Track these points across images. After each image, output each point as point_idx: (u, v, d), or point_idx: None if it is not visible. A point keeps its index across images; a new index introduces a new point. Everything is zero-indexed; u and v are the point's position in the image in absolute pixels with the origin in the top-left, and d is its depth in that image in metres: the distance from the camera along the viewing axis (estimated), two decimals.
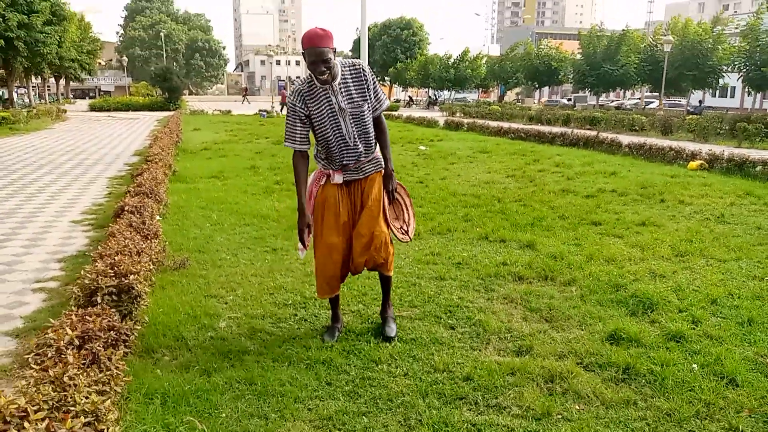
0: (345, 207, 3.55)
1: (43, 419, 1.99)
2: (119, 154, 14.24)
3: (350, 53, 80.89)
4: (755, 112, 34.85)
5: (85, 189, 9.17)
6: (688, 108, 42.61)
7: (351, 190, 3.57)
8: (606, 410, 2.87)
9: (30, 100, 42.96)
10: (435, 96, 64.18)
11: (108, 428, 2.13)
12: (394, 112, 35.98)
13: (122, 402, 2.75)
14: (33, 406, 2.05)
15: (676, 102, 50.52)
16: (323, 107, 3.38)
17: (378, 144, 3.61)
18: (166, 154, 10.11)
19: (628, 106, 49.05)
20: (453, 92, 63.30)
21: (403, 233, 3.81)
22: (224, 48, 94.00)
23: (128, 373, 2.78)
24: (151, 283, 4.19)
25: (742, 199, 8.20)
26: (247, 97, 61.90)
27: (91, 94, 74.94)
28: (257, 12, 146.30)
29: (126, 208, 5.51)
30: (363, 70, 3.44)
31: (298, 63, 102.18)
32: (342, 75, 3.38)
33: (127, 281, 3.58)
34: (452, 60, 58.68)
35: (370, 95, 3.45)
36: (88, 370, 2.43)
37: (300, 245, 3.60)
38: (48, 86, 54.57)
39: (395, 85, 71.63)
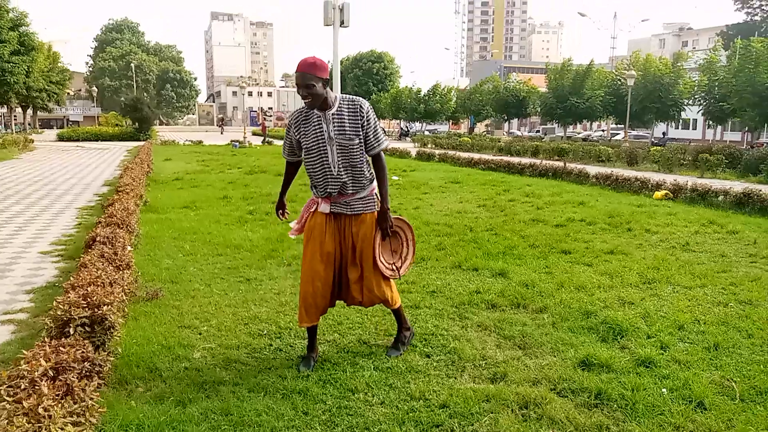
0: (331, 237, 3.62)
1: None
2: (88, 184, 14.06)
3: None
4: (716, 143, 36.09)
5: (54, 219, 9.02)
6: (653, 140, 43.91)
7: (340, 223, 3.65)
8: None
9: None
10: (407, 128, 65.00)
11: None
12: None
13: None
14: None
15: (641, 134, 51.98)
16: (313, 134, 3.53)
17: (376, 181, 3.69)
18: (137, 185, 10.02)
19: (595, 138, 50.32)
20: (424, 124, 64.19)
21: (392, 269, 3.78)
22: (196, 79, 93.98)
23: (103, 404, 2.74)
24: (124, 314, 4.14)
25: (705, 227, 8.46)
26: (224, 127, 62.03)
27: (59, 124, 73.92)
28: (229, 44, 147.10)
29: (98, 239, 5.45)
30: (362, 107, 3.55)
31: (269, 94, 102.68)
32: (338, 107, 3.52)
33: (100, 312, 3.54)
34: (422, 94, 59.65)
35: (366, 132, 3.55)
36: (62, 401, 2.40)
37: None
38: (15, 116, 53.74)
39: None
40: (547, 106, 46.76)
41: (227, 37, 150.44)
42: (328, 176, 3.55)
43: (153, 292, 4.94)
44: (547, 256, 6.60)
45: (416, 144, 37.47)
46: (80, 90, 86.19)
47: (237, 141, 33.47)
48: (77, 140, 38.12)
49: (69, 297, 3.67)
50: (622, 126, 44.05)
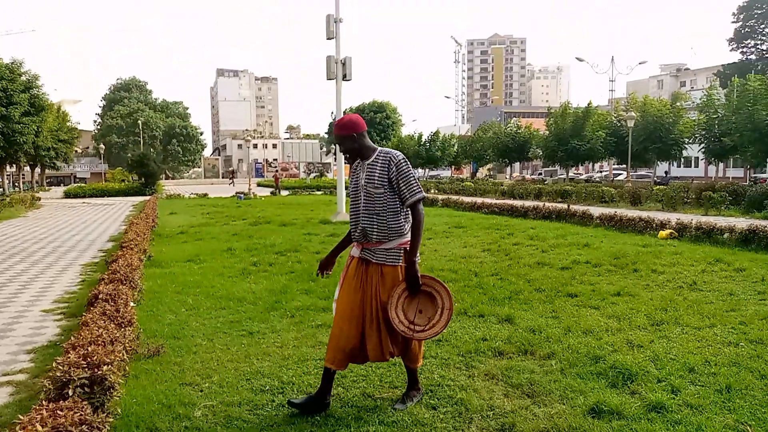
0: (358, 282, 3.73)
1: None
2: (93, 240, 14.12)
3: (326, 135, 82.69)
4: (719, 180, 36.17)
5: (58, 277, 9.03)
6: (655, 179, 44.04)
7: (367, 270, 3.73)
8: None
9: (4, 189, 42.76)
10: None
11: None
12: None
13: None
14: None
15: (644, 174, 52.19)
16: (354, 180, 3.84)
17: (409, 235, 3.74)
18: (141, 240, 10.06)
19: (598, 179, 50.53)
20: (427, 170, 64.74)
21: (408, 328, 3.62)
22: (202, 133, 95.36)
23: None
24: (124, 373, 4.09)
25: (712, 266, 8.39)
26: (234, 179, 62.87)
27: (66, 181, 74.88)
28: (234, 99, 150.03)
29: (100, 296, 5.43)
30: (392, 159, 3.70)
31: (275, 146, 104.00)
32: (375, 158, 3.75)
33: (100, 372, 3.49)
34: (423, 140, 60.42)
35: (399, 183, 3.67)
36: None
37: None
38: (23, 174, 54.54)
39: None
40: (549, 149, 47.15)
41: (233, 92, 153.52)
42: (354, 219, 3.80)
43: (154, 349, 4.89)
44: (553, 300, 6.53)
45: None
46: (88, 147, 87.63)
47: (242, 193, 33.73)
48: (84, 197, 38.51)
49: (69, 357, 3.63)
50: (624, 166, 44.26)
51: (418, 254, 3.71)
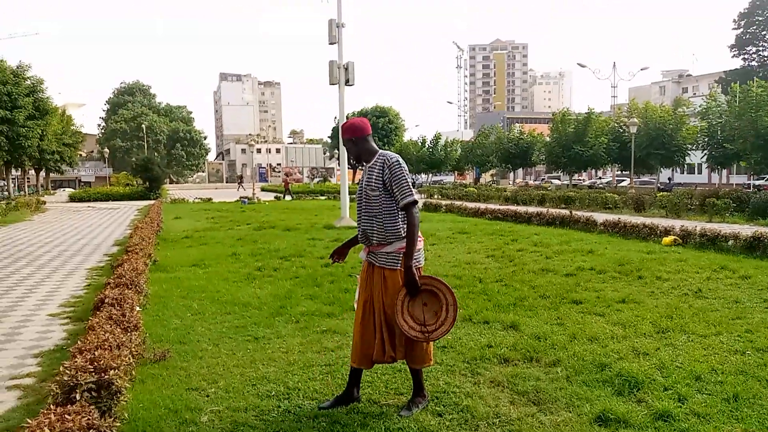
0: (369, 285, 3.81)
1: None
2: (99, 244, 14.15)
3: (329, 140, 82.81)
4: (723, 187, 36.10)
5: (64, 281, 9.05)
6: (659, 185, 43.98)
7: (373, 272, 3.80)
8: None
9: (9, 192, 42.87)
10: (413, 179, 65.70)
11: None
12: None
13: None
14: None
15: (647, 180, 52.13)
16: (359, 183, 3.92)
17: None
18: (146, 244, 10.08)
19: (601, 185, 50.48)
20: (430, 175, 64.77)
21: (420, 332, 3.66)
22: (205, 138, 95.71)
23: None
24: (131, 378, 4.10)
25: (717, 273, 8.37)
26: (243, 184, 63.02)
27: (71, 184, 75.09)
28: (238, 103, 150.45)
29: (106, 301, 5.45)
30: (386, 162, 3.74)
31: (278, 150, 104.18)
32: (374, 162, 3.81)
33: (107, 377, 3.50)
34: (426, 144, 60.48)
35: (391, 186, 3.71)
36: None
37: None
38: (28, 178, 54.70)
39: None
40: (552, 155, 47.15)
41: (236, 97, 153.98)
42: (360, 224, 3.86)
43: (161, 354, 4.90)
44: (558, 307, 6.53)
45: (422, 195, 37.69)
46: (92, 151, 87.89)
47: (246, 197, 33.79)
48: (89, 200, 38.60)
49: (76, 361, 3.64)
50: (628, 172, 44.23)
51: (417, 258, 3.75)
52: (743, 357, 4.73)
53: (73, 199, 40.34)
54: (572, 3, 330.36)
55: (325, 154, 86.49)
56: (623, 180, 51.00)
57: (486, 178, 69.81)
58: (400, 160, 3.77)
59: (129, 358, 4.12)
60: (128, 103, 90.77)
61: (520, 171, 73.82)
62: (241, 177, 73.98)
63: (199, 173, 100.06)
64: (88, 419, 2.98)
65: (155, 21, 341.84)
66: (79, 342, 4.19)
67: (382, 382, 4.34)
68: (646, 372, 4.37)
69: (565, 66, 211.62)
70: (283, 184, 45.02)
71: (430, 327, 3.69)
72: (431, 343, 3.87)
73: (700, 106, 38.37)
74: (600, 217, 16.13)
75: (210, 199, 35.11)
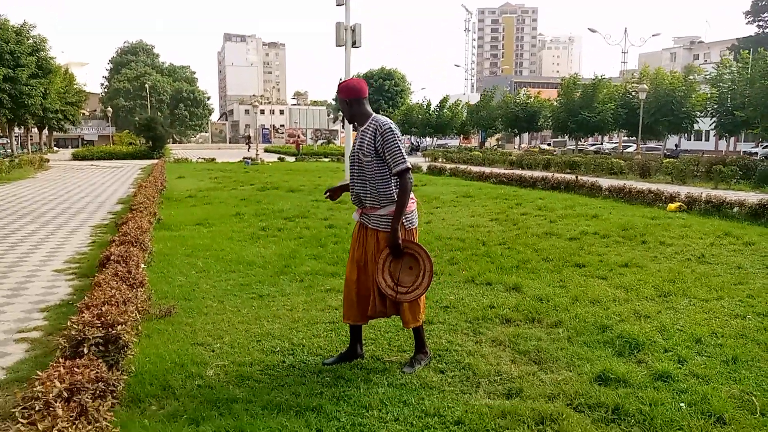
0: (360, 245, 3.86)
1: None
2: (103, 202, 14.19)
3: (333, 102, 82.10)
4: (730, 154, 35.82)
5: (69, 238, 9.11)
6: (665, 152, 43.66)
7: (366, 233, 3.85)
8: None
9: (12, 150, 42.82)
10: (417, 142, 65.32)
11: None
12: None
13: None
14: None
15: (654, 146, 51.71)
16: (354, 143, 3.91)
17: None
18: (150, 203, 10.10)
19: (607, 150, 50.12)
20: (435, 139, 64.32)
21: (392, 290, 3.71)
22: (209, 98, 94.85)
23: (116, 424, 2.74)
24: (137, 333, 4.15)
25: (721, 239, 8.37)
26: (251, 144, 62.54)
27: (74, 143, 74.89)
28: (242, 64, 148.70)
29: (112, 258, 5.48)
30: (378, 128, 3.71)
31: (281, 112, 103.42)
32: (367, 126, 3.79)
33: (114, 332, 3.55)
34: (432, 108, 59.85)
35: (384, 152, 3.69)
36: (77, 422, 2.39)
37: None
38: (31, 136, 54.53)
39: None
40: (558, 120, 46.69)
41: (240, 58, 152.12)
42: (352, 186, 3.89)
43: (166, 310, 4.96)
44: (561, 270, 6.55)
45: (427, 158, 37.53)
46: (95, 110, 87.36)
47: (249, 158, 33.70)
48: (92, 159, 38.59)
49: (83, 317, 3.69)
50: (634, 138, 43.85)
51: (410, 220, 3.82)
52: (743, 321, 4.76)
53: (76, 157, 40.31)
54: None
55: (329, 116, 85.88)
56: (629, 146, 50.55)
57: (491, 142, 69.29)
58: (392, 126, 3.72)
59: (135, 314, 4.17)
60: (131, 62, 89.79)
61: (525, 135, 73.26)
62: (249, 137, 73.56)
63: (202, 134, 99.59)
64: (97, 372, 3.03)
65: None
66: (86, 298, 4.24)
67: (386, 339, 4.40)
68: (647, 334, 4.41)
69: (575, 31, 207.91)
70: (295, 145, 45.08)
71: (403, 289, 3.73)
72: (420, 304, 3.88)
73: (710, 74, 37.75)
74: (605, 182, 16.07)
75: (213, 159, 35.03)
